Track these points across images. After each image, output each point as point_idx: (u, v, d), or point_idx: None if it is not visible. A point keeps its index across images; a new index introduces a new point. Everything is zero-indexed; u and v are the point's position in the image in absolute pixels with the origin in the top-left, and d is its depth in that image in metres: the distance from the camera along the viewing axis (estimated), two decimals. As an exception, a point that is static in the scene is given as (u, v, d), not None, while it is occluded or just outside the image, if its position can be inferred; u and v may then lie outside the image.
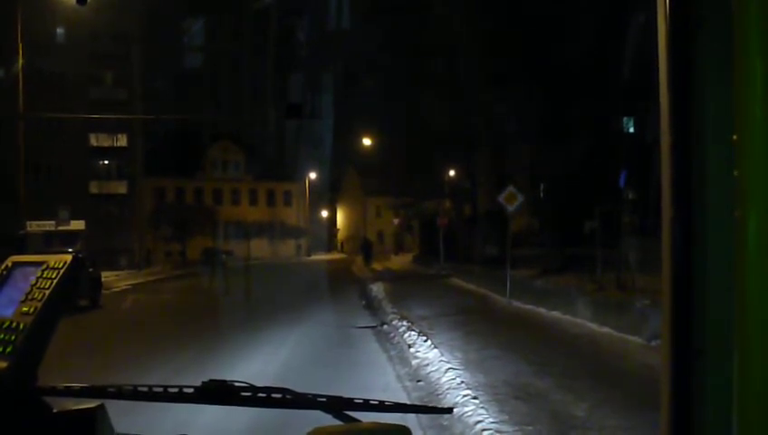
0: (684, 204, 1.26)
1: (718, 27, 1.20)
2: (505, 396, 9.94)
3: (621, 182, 25.07)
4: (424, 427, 8.29)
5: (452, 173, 52.87)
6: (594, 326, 16.94)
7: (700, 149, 1.24)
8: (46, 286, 1.93)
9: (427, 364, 12.68)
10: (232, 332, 17.93)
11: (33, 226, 47.53)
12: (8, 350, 1.85)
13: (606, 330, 16.21)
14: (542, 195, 35.22)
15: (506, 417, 8.68)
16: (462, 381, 10.76)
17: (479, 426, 8.26)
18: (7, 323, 1.91)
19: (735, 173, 1.13)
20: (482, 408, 9.00)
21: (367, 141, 62.43)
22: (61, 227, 49.89)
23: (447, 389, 10.53)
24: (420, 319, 18.93)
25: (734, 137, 1.13)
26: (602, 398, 9.65)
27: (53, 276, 1.94)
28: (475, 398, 9.57)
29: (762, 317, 1.09)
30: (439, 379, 11.35)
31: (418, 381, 11.82)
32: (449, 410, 3.51)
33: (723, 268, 1.20)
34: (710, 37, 1.23)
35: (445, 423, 8.60)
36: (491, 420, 8.45)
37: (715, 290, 1.23)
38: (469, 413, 8.79)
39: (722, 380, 1.19)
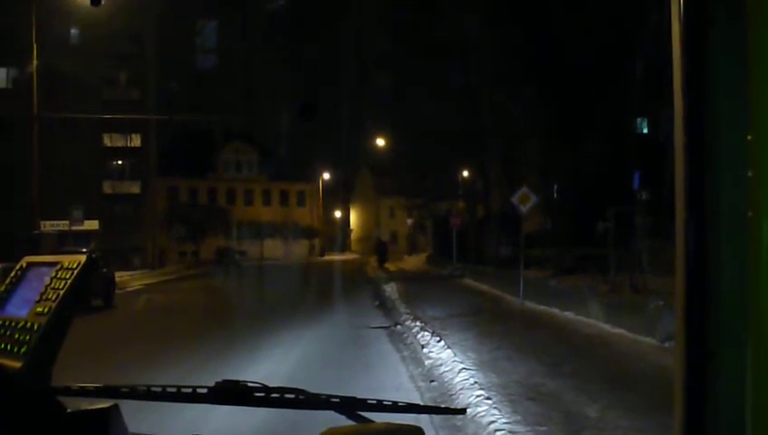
0: (698, 205, 1.26)
1: (732, 26, 1.20)
2: (518, 397, 9.92)
3: (635, 183, 25.04)
4: (437, 427, 8.28)
5: (465, 174, 52.90)
6: (607, 327, 16.88)
7: (714, 150, 1.24)
8: (60, 287, 1.93)
9: (441, 365, 12.67)
10: (245, 332, 17.95)
11: (47, 226, 47.69)
12: (23, 350, 1.86)
13: (619, 331, 16.15)
14: (555, 195, 35.18)
15: (519, 417, 8.67)
16: (475, 382, 10.74)
17: (492, 426, 8.25)
18: (22, 324, 1.92)
19: (750, 173, 1.13)
20: (495, 408, 8.99)
21: (380, 142, 62.43)
22: (74, 228, 50.02)
23: (461, 389, 10.52)
24: (433, 319, 18.93)
25: (749, 137, 1.13)
26: (615, 399, 9.62)
27: (67, 277, 1.95)
28: (488, 398, 9.56)
29: (775, 318, 1.09)
30: (452, 379, 11.34)
31: (432, 381, 11.81)
32: (462, 411, 3.51)
33: (736, 269, 1.20)
34: (724, 36, 1.23)
35: (458, 424, 8.59)
36: (504, 420, 8.44)
37: (729, 291, 1.22)
38: (482, 414, 8.78)
39: (735, 381, 1.19)
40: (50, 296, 1.93)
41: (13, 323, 1.95)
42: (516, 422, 8.43)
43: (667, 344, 13.18)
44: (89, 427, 1.94)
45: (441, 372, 12.17)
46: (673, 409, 1.32)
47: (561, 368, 12.14)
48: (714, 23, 1.24)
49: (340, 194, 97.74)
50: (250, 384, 1.94)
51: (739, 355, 1.17)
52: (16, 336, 1.90)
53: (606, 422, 8.57)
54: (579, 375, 11.50)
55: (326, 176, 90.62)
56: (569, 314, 19.35)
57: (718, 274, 1.24)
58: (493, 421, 8.41)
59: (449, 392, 10.70)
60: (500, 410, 8.91)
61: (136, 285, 39.28)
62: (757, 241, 1.11)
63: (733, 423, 1.20)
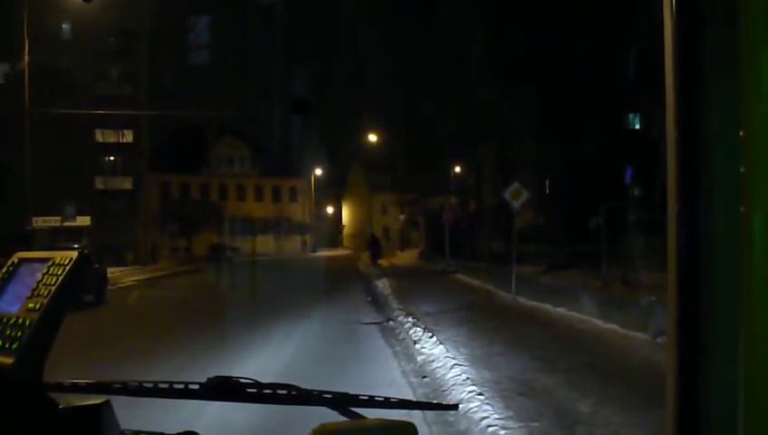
0: (690, 200, 1.26)
1: (724, 24, 1.20)
2: (511, 392, 9.92)
3: (627, 179, 25.10)
4: (429, 423, 8.29)
5: (458, 169, 52.89)
6: (599, 323, 16.87)
7: (706, 146, 1.24)
8: (52, 283, 1.93)
9: (433, 360, 12.67)
10: (237, 328, 17.93)
11: (39, 221, 47.72)
12: (14, 346, 1.85)
13: (611, 326, 16.16)
14: (547, 191, 35.23)
15: (512, 413, 8.67)
16: (467, 378, 10.75)
17: (484, 422, 8.25)
18: (13, 320, 1.92)
19: (741, 169, 1.13)
20: (487, 404, 8.99)
21: (372, 137, 62.37)
22: (66, 223, 50.05)
23: (453, 385, 10.52)
24: (425, 315, 18.93)
25: (741, 133, 1.13)
26: (607, 394, 9.63)
27: (59, 273, 1.94)
28: (480, 394, 9.56)
29: (767, 314, 1.09)
30: (444, 375, 11.34)
31: (424, 377, 11.81)
32: (455, 407, 3.52)
33: (728, 265, 1.20)
34: (716, 34, 1.23)
35: (450, 419, 8.60)
36: (496, 416, 8.44)
37: (721, 287, 1.23)
38: (474, 409, 8.78)
39: (727, 377, 1.19)
40: (42, 292, 1.92)
41: (4, 320, 1.94)
42: (509, 418, 8.43)
43: (659, 340, 13.20)
44: (81, 423, 1.94)
45: (433, 367, 12.17)
46: (665, 404, 1.32)
47: (553, 363, 12.14)
48: (705, 22, 1.24)
49: (333, 190, 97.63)
50: (242, 380, 1.94)
51: (731, 351, 1.17)
52: (8, 332, 1.90)
53: (598, 418, 8.58)
54: (571, 371, 11.50)
55: (318, 172, 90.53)
56: (561, 310, 19.36)
57: (710, 269, 1.24)
58: (485, 417, 8.42)
59: (441, 388, 10.70)
60: (492, 406, 8.91)
61: (128, 280, 39.20)
62: (749, 237, 1.11)
63: (725, 419, 1.20)
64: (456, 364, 11.85)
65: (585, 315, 17.97)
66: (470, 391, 9.76)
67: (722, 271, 1.22)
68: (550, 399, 9.65)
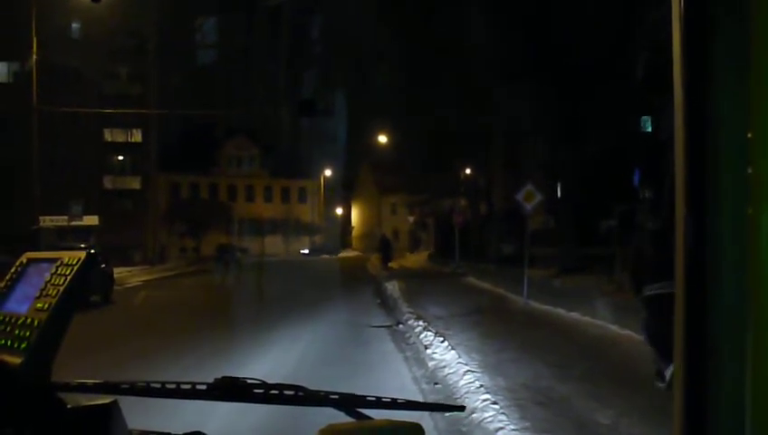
0: (698, 202, 1.26)
1: (733, 25, 1.20)
2: (526, 401, 9.73)
3: (635, 180, 25.06)
4: (440, 431, 8.24)
5: (468, 171, 52.79)
6: (615, 328, 16.65)
7: (714, 147, 1.24)
8: (60, 283, 1.94)
9: (444, 366, 12.56)
10: (244, 329, 17.91)
11: (47, 221, 47.73)
12: (23, 346, 1.86)
13: (627, 332, 15.94)
14: (558, 193, 35.16)
15: (528, 424, 8.47)
16: (481, 385, 10.60)
17: (500, 433, 8.13)
18: (22, 320, 1.93)
19: (750, 171, 1.13)
20: (502, 413, 8.82)
21: (382, 139, 62.28)
22: (74, 223, 50.09)
23: (465, 392, 10.37)
24: (436, 319, 18.84)
25: (749, 135, 1.13)
26: (627, 404, 9.38)
27: (68, 273, 1.95)
28: (494, 403, 9.39)
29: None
30: (457, 382, 11.21)
31: (435, 383, 11.72)
32: (461, 408, 3.51)
33: (737, 267, 1.19)
34: (725, 35, 1.23)
35: (464, 429, 8.53)
36: (512, 426, 8.24)
37: (729, 289, 1.22)
38: (489, 419, 8.64)
39: (736, 378, 1.19)
40: (50, 292, 1.93)
41: (13, 319, 1.95)
42: (525, 429, 8.28)
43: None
44: (89, 423, 1.94)
45: (445, 374, 12.04)
46: (673, 405, 1.32)
47: (569, 371, 11.92)
48: (715, 21, 1.24)
49: (342, 191, 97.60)
50: (249, 381, 1.94)
51: (740, 352, 1.16)
52: (16, 332, 1.91)
53: (620, 430, 8.43)
54: (589, 379, 11.27)
55: (328, 172, 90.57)
56: (575, 315, 19.12)
57: (718, 271, 1.23)
58: (500, 428, 8.28)
59: (454, 395, 10.55)
60: (508, 416, 8.73)
61: (135, 281, 39.31)
62: (757, 238, 1.11)
63: (733, 420, 1.20)
64: (468, 371, 11.72)
65: (599, 320, 17.77)
66: (484, 400, 9.62)
67: (730, 272, 1.22)
68: (567, 409, 9.45)
